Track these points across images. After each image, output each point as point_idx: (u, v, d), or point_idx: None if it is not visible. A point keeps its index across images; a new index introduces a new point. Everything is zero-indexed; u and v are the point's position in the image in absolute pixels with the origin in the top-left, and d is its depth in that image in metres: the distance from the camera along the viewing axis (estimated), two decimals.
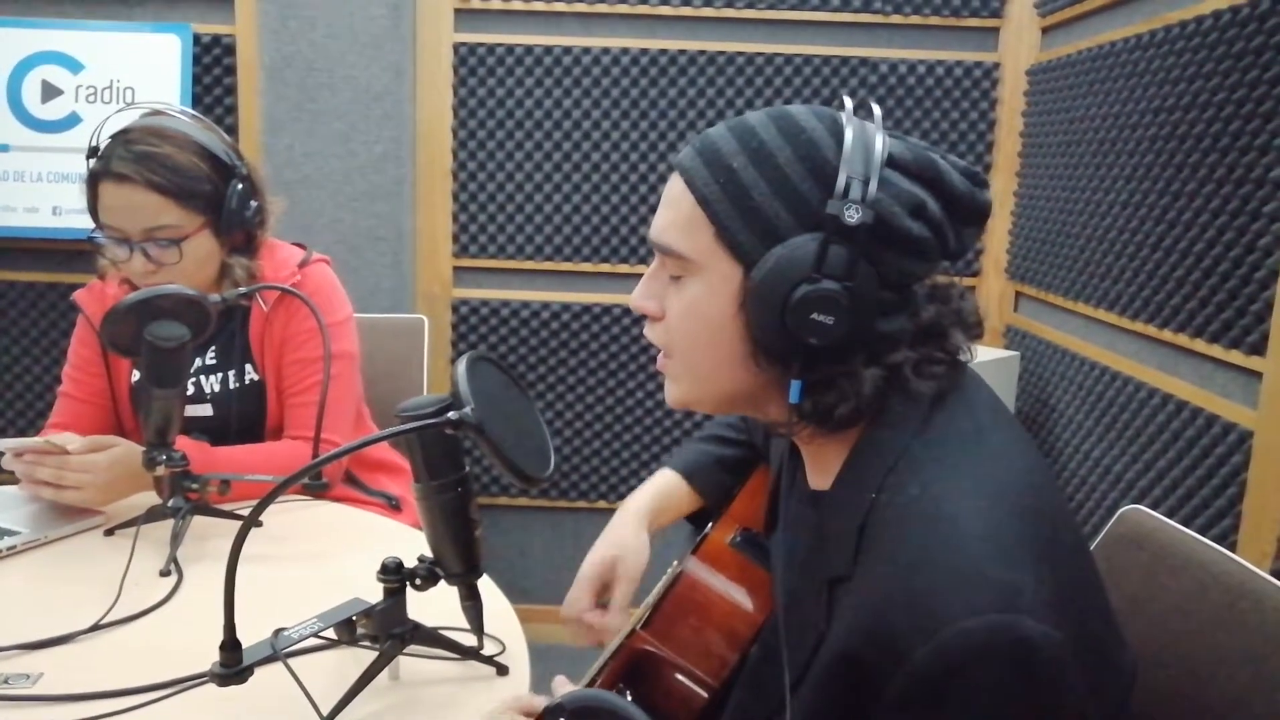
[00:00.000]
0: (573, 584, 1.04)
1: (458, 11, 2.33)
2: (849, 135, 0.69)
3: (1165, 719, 0.85)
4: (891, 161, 0.70)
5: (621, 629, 1.00)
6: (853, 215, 0.66)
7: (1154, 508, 1.02)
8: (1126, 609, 0.91)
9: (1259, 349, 1.37)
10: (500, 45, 2.33)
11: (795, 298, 0.67)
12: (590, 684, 0.92)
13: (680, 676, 0.86)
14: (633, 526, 1.05)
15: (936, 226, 0.71)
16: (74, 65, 2.25)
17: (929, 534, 0.63)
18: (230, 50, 2.27)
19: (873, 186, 0.67)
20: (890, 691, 0.61)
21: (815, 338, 0.67)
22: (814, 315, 0.67)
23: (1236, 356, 1.43)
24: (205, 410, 1.50)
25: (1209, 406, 1.50)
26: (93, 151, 1.38)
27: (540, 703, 0.80)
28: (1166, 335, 1.61)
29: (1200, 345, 1.52)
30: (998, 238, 2.39)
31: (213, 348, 1.51)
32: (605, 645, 1.02)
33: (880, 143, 0.69)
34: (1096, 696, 0.64)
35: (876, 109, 0.72)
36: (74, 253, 2.25)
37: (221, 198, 1.42)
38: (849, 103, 0.71)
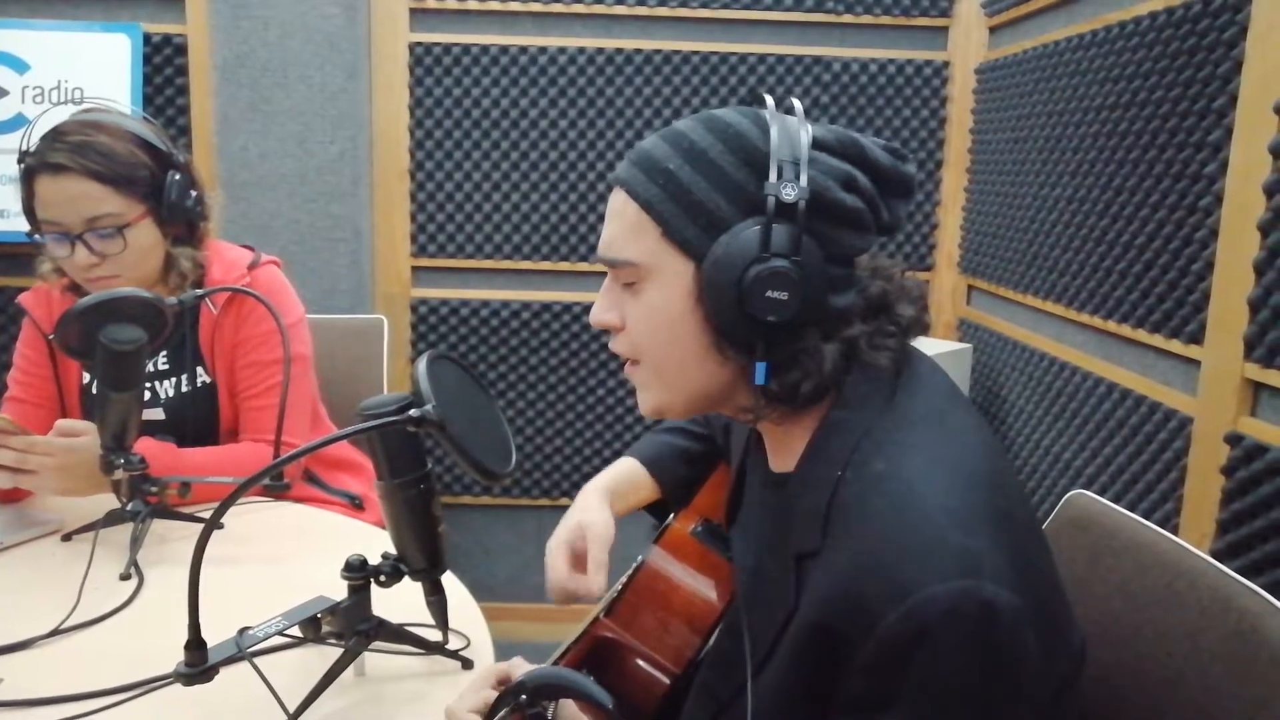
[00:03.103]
0: (547, 559, 1.04)
1: (413, 11, 2.33)
2: (774, 125, 0.72)
3: (1108, 693, 0.88)
4: (817, 144, 0.74)
5: (600, 594, 1.01)
6: (789, 193, 0.70)
7: (1100, 493, 1.06)
8: (1072, 590, 0.94)
9: (1197, 338, 1.42)
10: (456, 45, 2.33)
11: (749, 278, 0.70)
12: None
13: (642, 663, 0.88)
14: (595, 500, 1.07)
15: (869, 199, 0.75)
16: (20, 65, 2.21)
17: (895, 507, 0.66)
18: (181, 50, 2.25)
19: (803, 166, 0.71)
20: (860, 657, 0.63)
21: (773, 315, 0.70)
22: (769, 293, 0.70)
23: (1176, 346, 1.48)
24: (158, 414, 1.49)
25: (1151, 394, 1.55)
26: (23, 155, 1.36)
27: (504, 671, 0.81)
28: (1111, 326, 1.66)
29: (1142, 335, 1.57)
30: (950, 233, 2.44)
31: (164, 352, 1.49)
32: (575, 628, 1.03)
33: (805, 128, 0.73)
34: (1050, 666, 0.67)
35: (797, 103, 0.76)
36: (22, 256, 2.21)
37: (161, 185, 1.41)
38: (770, 99, 0.75)
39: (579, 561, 1.04)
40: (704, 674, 0.82)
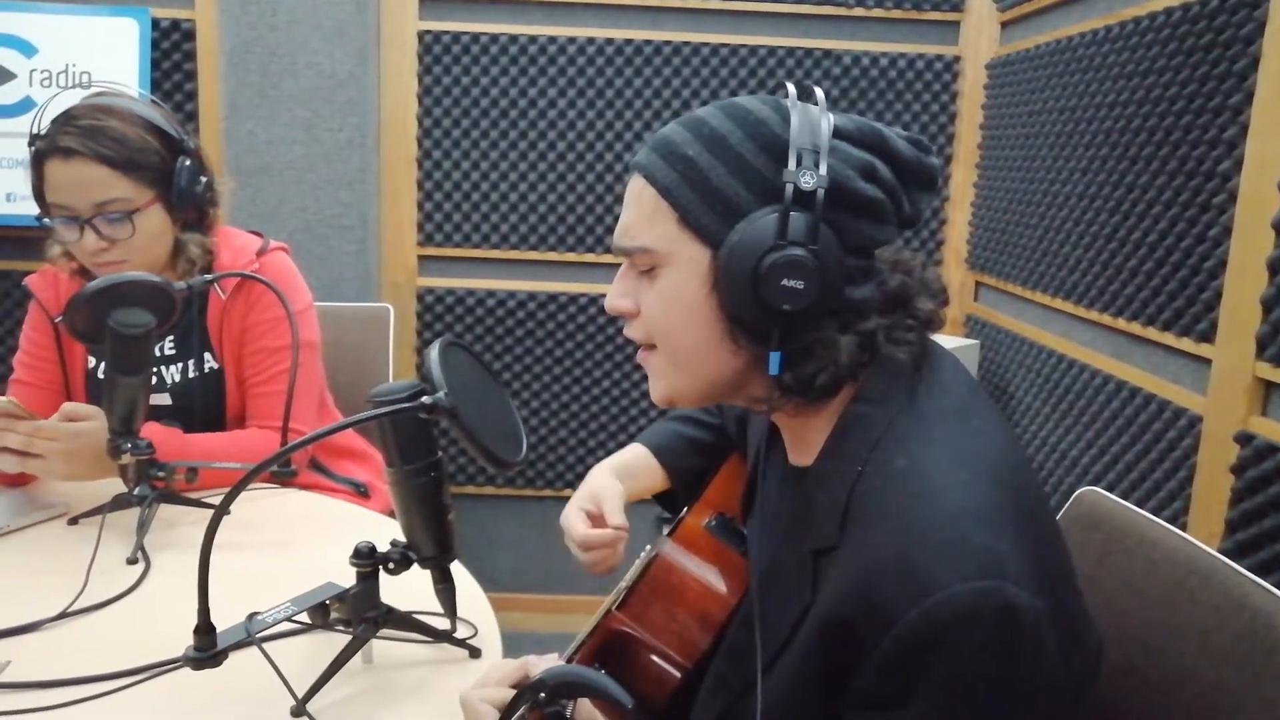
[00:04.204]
0: (564, 529, 1.06)
1: None
2: (795, 113, 0.71)
3: (1120, 691, 0.88)
4: (838, 133, 0.73)
5: (621, 527, 1.02)
6: (808, 181, 0.69)
7: (1109, 490, 1.05)
8: (1083, 587, 0.93)
9: (1208, 337, 1.41)
10: (465, 33, 2.32)
11: (764, 266, 0.69)
12: (568, 662, 0.94)
13: (655, 657, 0.88)
14: (604, 474, 1.08)
15: (889, 189, 0.74)
16: (27, 49, 2.20)
17: (917, 504, 0.65)
18: (190, 35, 2.24)
19: (823, 154, 0.70)
20: (877, 655, 0.63)
21: (788, 304, 0.70)
22: (784, 281, 0.69)
23: (1187, 344, 1.47)
24: (164, 399, 1.48)
25: (1161, 392, 1.55)
26: (34, 138, 1.35)
27: (521, 668, 0.81)
28: (1120, 324, 1.66)
29: (1153, 333, 1.56)
30: (958, 228, 2.43)
31: (171, 337, 1.49)
32: (587, 621, 1.03)
33: (826, 116, 0.72)
34: (1068, 667, 0.66)
35: (819, 91, 0.75)
36: (28, 240, 2.20)
37: (171, 171, 1.40)
38: (792, 87, 0.74)
39: (596, 523, 1.05)
40: (718, 665, 0.82)
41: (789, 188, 0.69)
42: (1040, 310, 2.00)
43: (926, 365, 0.76)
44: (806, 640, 0.69)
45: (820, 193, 0.69)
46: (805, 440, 0.80)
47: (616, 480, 1.08)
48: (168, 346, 1.49)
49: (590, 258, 2.43)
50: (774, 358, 0.72)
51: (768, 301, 0.70)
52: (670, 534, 0.98)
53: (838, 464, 0.73)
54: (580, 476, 2.52)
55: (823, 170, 0.70)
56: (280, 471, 1.28)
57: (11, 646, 0.96)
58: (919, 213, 0.77)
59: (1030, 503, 0.69)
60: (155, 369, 1.47)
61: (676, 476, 1.12)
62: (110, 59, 2.20)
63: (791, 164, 0.70)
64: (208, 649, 0.78)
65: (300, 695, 0.85)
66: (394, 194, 2.39)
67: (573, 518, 1.05)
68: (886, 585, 0.63)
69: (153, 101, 1.47)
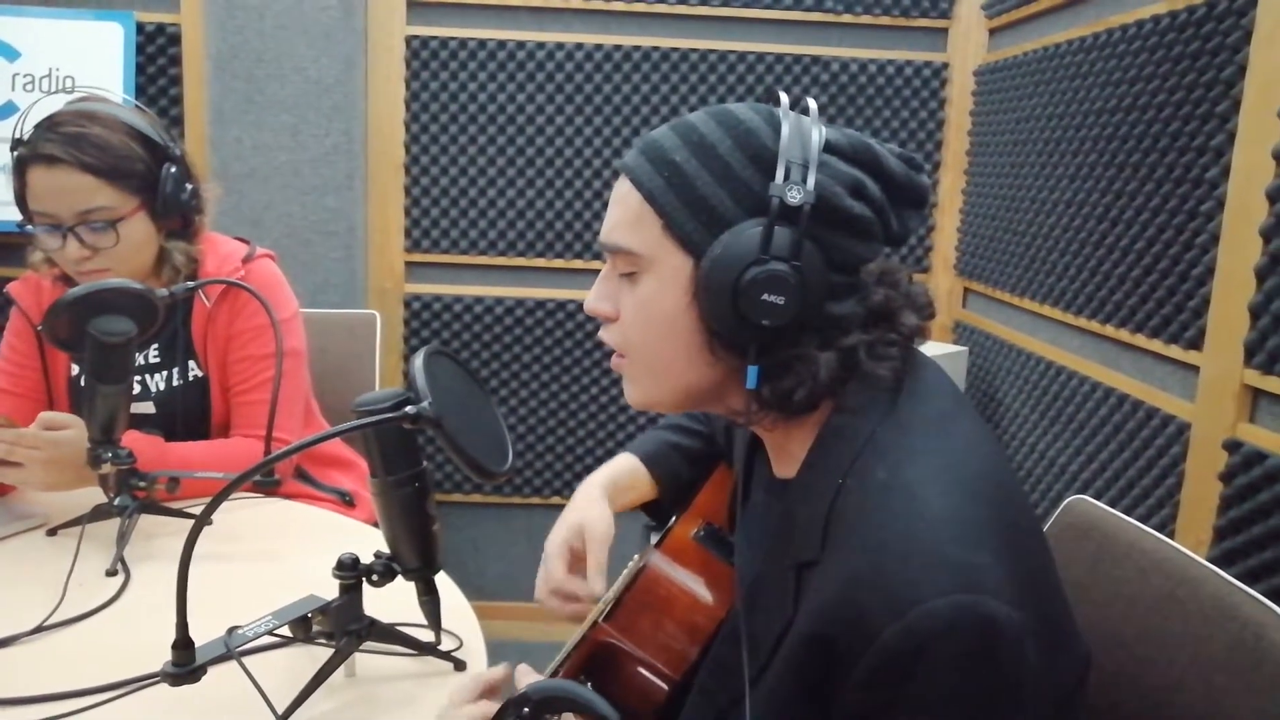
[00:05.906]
0: (542, 561, 1.02)
1: (410, 4, 2.31)
2: (786, 124, 0.70)
3: (1110, 700, 0.87)
4: (829, 147, 0.72)
5: (599, 597, 0.99)
6: (795, 196, 0.68)
7: (1097, 498, 1.05)
8: (1073, 596, 0.92)
9: (1196, 344, 1.41)
10: (453, 39, 2.32)
11: (745, 280, 0.68)
12: (553, 675, 0.92)
13: (642, 670, 0.87)
14: (595, 498, 1.05)
15: (878, 208, 0.73)
16: (10, 53, 2.18)
17: (897, 518, 0.65)
18: (175, 40, 2.22)
19: (812, 169, 0.69)
20: (859, 671, 0.62)
21: (767, 319, 0.69)
22: (765, 296, 0.68)
23: (1175, 351, 1.47)
24: (148, 408, 1.47)
25: (1149, 400, 1.55)
26: (16, 143, 1.34)
27: (499, 676, 0.80)
28: (1109, 330, 1.66)
29: (1141, 340, 1.56)
30: (946, 235, 2.43)
31: (155, 345, 1.47)
32: (573, 632, 1.02)
33: (817, 129, 0.71)
34: (1052, 678, 0.66)
35: (812, 103, 0.74)
36: (10, 246, 2.18)
37: (156, 179, 1.38)
38: (784, 97, 0.73)
39: (577, 561, 1.02)
40: (703, 680, 0.81)
41: (775, 201, 0.69)
42: (1029, 317, 2.00)
43: (909, 375, 0.75)
44: (790, 655, 0.68)
45: (807, 208, 0.68)
46: (787, 452, 0.79)
47: (608, 506, 1.04)
48: (152, 355, 1.48)
49: (578, 264, 2.42)
50: (751, 372, 0.71)
51: (747, 316, 0.69)
52: (658, 544, 0.97)
53: (819, 477, 0.72)
54: (568, 485, 2.52)
55: (810, 185, 0.69)
56: (263, 481, 1.27)
57: None
58: (907, 231, 0.76)
59: (1013, 513, 0.69)
60: (139, 377, 1.46)
61: (667, 486, 1.11)
62: (94, 63, 2.18)
63: (779, 177, 0.69)
64: (186, 664, 0.77)
65: (281, 711, 0.84)
66: (381, 200, 2.38)
67: (555, 555, 1.01)
68: (866, 600, 0.62)
69: (137, 107, 1.46)
